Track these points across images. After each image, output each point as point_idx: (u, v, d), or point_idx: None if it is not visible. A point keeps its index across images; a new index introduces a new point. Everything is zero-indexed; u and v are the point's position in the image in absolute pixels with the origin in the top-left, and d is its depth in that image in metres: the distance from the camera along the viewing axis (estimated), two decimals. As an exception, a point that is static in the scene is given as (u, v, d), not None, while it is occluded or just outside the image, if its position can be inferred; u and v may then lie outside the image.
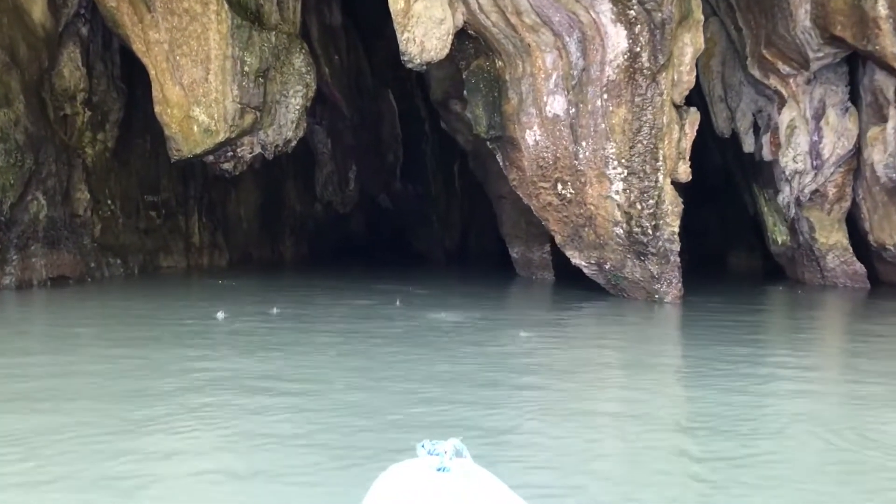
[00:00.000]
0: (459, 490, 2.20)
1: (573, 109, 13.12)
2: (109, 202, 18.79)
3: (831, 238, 16.83)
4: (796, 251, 18.16)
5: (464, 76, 14.83)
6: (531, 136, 13.91)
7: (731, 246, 26.15)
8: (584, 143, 13.07)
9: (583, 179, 13.26)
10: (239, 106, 14.71)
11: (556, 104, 13.42)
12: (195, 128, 14.80)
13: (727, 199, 24.44)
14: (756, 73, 16.07)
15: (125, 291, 15.39)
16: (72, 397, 5.93)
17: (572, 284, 16.38)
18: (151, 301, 13.20)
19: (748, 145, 17.34)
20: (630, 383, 7.16)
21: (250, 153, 15.46)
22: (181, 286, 16.62)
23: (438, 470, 2.29)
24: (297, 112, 15.37)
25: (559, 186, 13.75)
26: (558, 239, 14.25)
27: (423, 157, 24.35)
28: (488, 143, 15.05)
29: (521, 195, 14.79)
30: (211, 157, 15.51)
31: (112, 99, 18.76)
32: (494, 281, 18.53)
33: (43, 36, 16.17)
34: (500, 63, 14.22)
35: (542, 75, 13.51)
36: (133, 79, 18.79)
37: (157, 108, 15.00)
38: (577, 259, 14.07)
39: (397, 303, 12.74)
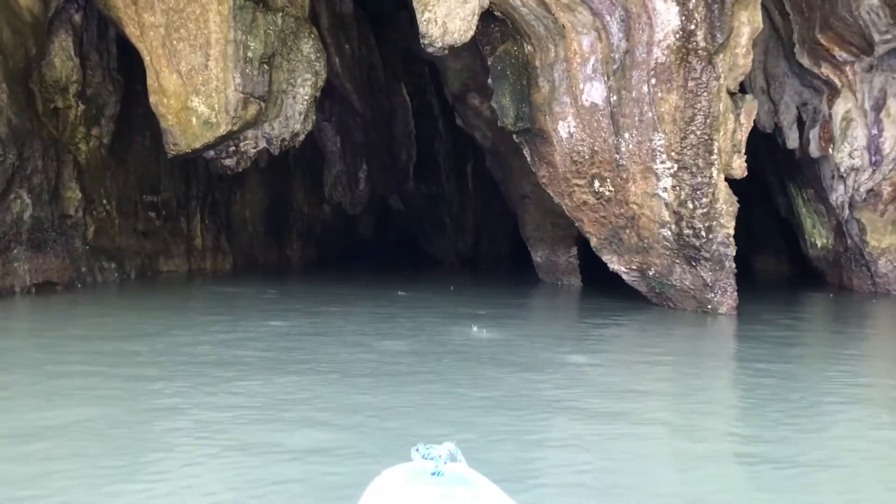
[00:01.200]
0: (454, 495, 2.09)
1: (614, 97, 11.46)
2: (104, 202, 17.15)
3: (884, 241, 15.15)
4: (842, 255, 16.47)
5: (489, 62, 13.18)
6: (564, 128, 12.26)
7: (755, 250, 24.43)
8: (626, 135, 11.40)
9: (624, 175, 11.59)
10: (242, 95, 13.06)
11: (594, 92, 11.76)
12: (194, 120, 13.16)
13: (752, 200, 22.75)
14: (805, 61, 14.40)
15: (116, 299, 13.74)
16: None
17: (603, 291, 14.74)
18: (142, 312, 11.55)
19: (792, 141, 15.66)
20: (698, 411, 5.50)
21: (254, 148, 13.82)
22: (179, 294, 14.94)
23: (433, 474, 2.19)
24: (305, 103, 13.71)
25: (596, 183, 12.08)
26: (594, 242, 12.58)
27: (436, 157, 22.70)
28: (515, 136, 13.40)
29: (551, 194, 13.13)
30: (211, 153, 13.86)
31: (108, 92, 17.13)
32: (517, 287, 16.86)
33: (30, 21, 14.52)
34: (529, 48, 12.57)
35: (578, 60, 11.86)
36: (131, 71, 17.14)
37: (152, 99, 13.36)
38: (615, 264, 12.40)
39: (404, 299, 11.06)
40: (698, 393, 6.59)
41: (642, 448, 4.80)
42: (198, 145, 13.28)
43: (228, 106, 13.04)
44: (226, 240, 21.30)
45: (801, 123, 15.90)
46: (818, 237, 17.86)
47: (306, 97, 13.64)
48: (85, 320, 10.40)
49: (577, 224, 12.85)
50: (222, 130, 13.16)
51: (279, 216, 23.21)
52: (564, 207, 12.87)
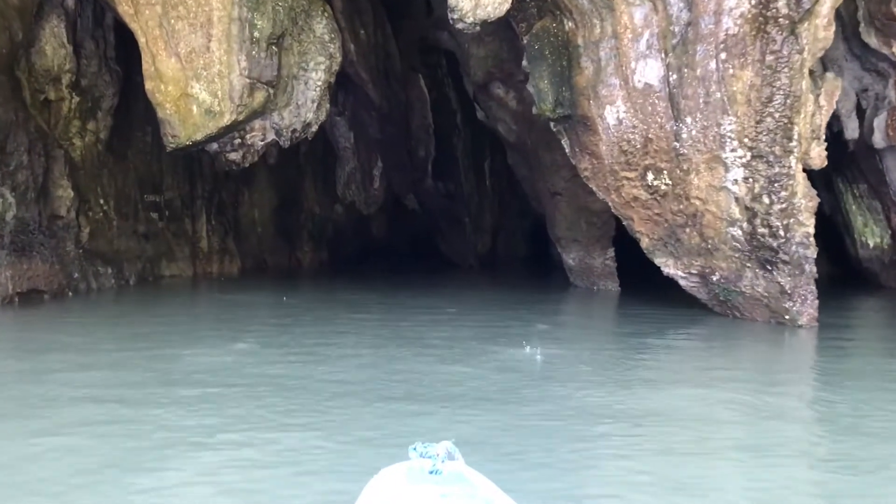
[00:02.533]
0: (452, 493, 2.06)
1: (673, 76, 9.73)
2: (101, 202, 15.50)
3: (956, 240, 13.38)
4: (903, 255, 14.72)
5: (524, 41, 11.48)
6: (612, 114, 10.54)
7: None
8: (688, 120, 9.67)
9: (685, 166, 9.87)
10: (248, 81, 11.37)
11: (649, 71, 10.04)
12: (194, 108, 11.48)
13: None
14: (872, 40, 12.67)
15: (109, 309, 12.07)
16: None
17: (645, 298, 13.04)
18: (136, 326, 9.87)
19: (851, 131, 13.91)
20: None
21: (262, 141, 12.13)
22: (181, 302, 13.24)
23: (430, 472, 2.18)
24: (318, 89, 12.01)
25: (650, 176, 10.36)
26: (645, 243, 10.86)
27: (454, 153, 20.95)
28: (553, 125, 11.68)
29: (594, 189, 11.41)
30: (215, 146, 12.18)
31: (104, 83, 15.48)
32: (549, 294, 15.14)
33: (16, 4, 12.86)
34: (570, 24, 10.86)
35: (630, 35, 10.14)
36: (130, 62, 15.49)
37: (148, 85, 11.69)
38: (670, 269, 10.67)
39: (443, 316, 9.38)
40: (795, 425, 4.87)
41: None
42: (199, 137, 11.60)
43: (233, 92, 11.36)
44: (233, 242, 19.64)
45: (859, 112, 14.16)
46: (870, 236, 16.12)
47: (319, 83, 11.94)
48: (67, 337, 8.72)
49: (625, 223, 11.12)
50: (226, 120, 11.48)
51: (289, 217, 21.53)
52: (611, 204, 11.16)
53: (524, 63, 11.74)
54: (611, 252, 14.64)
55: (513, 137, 17.05)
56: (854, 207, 16.40)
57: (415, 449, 2.31)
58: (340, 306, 12.56)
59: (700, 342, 9.26)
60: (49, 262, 12.41)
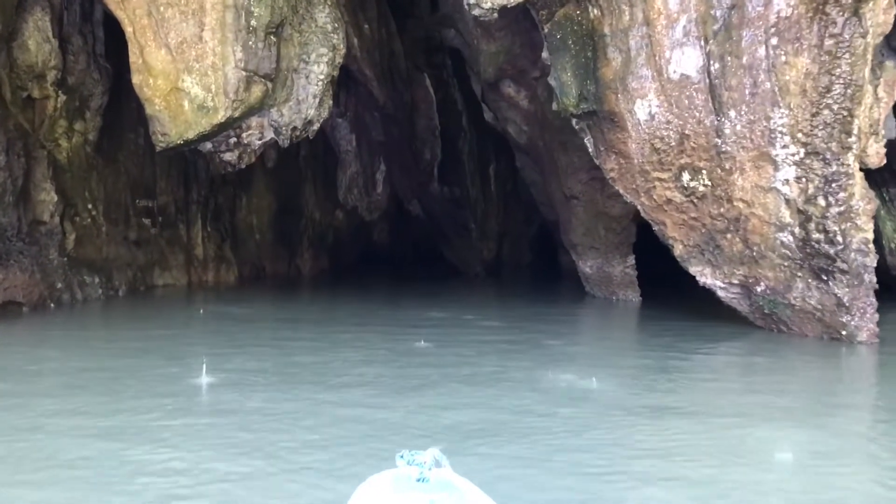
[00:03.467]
0: (440, 500, 2.05)
1: (715, 65, 8.66)
2: (90, 206, 14.38)
3: None
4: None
5: (545, 31, 10.40)
6: (643, 109, 9.46)
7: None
8: (732, 113, 8.60)
9: (728, 165, 8.78)
10: (244, 73, 10.27)
11: (686, 60, 8.97)
12: (186, 103, 10.37)
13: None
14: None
15: (91, 323, 10.95)
16: None
17: (670, 309, 11.98)
18: (112, 342, 8.76)
19: (891, 130, 12.80)
20: None
21: (259, 140, 11.02)
22: (169, 316, 12.09)
23: (418, 480, 2.15)
24: (321, 83, 10.91)
25: (686, 177, 9.28)
26: (679, 250, 9.76)
27: (459, 156, 19.86)
28: (575, 122, 10.60)
29: (621, 191, 10.32)
30: (208, 145, 11.07)
31: (93, 81, 14.38)
32: (566, 304, 14.02)
33: (-4, -7, 11.81)
34: (595, 11, 9.79)
35: (663, 22, 9.07)
36: (121, 59, 14.31)
37: (135, 79, 10.59)
38: (707, 278, 9.57)
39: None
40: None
41: None
42: (191, 136, 10.50)
43: (228, 86, 10.26)
44: (230, 249, 18.51)
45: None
46: (902, 242, 15.01)
47: (322, 77, 10.84)
48: (37, 352, 7.60)
49: (656, 228, 10.03)
50: (221, 117, 10.38)
51: (289, 223, 20.39)
52: (640, 208, 10.07)
53: (544, 55, 10.67)
54: (631, 260, 13.54)
55: (523, 139, 15.97)
56: (883, 212, 15.30)
57: (402, 457, 2.26)
58: (347, 317, 11.45)
59: (745, 359, 8.15)
60: (29, 271, 11.28)
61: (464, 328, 10.18)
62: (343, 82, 15.50)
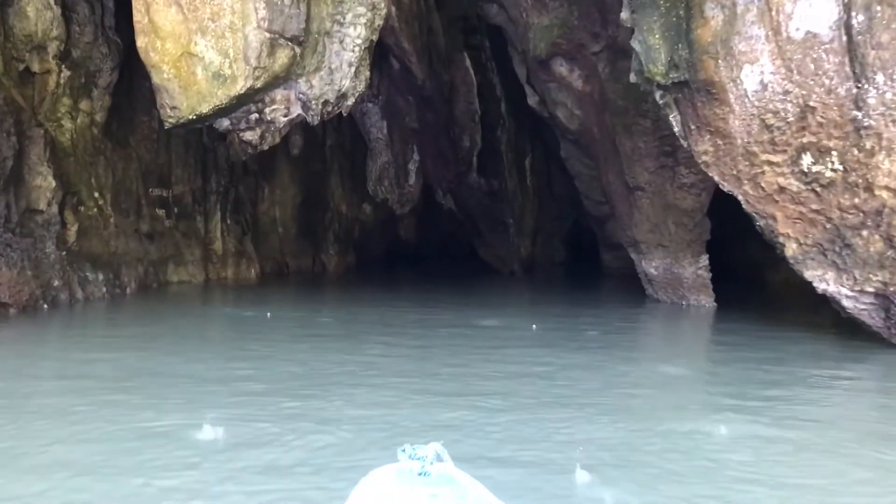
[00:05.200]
0: (441, 494, 2.03)
1: (859, 17, 6.71)
2: (96, 195, 12.62)
3: None
4: None
5: (627, -14, 8.48)
6: (753, 76, 7.53)
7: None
8: (879, 78, 6.65)
9: (870, 144, 6.84)
10: (267, 36, 8.42)
11: (814, 14, 7.03)
12: (199, 71, 8.55)
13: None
14: None
15: (81, 327, 9.15)
16: None
17: (757, 318, 10.06)
18: (95, 359, 6.95)
19: None
20: None
21: (285, 116, 9.18)
22: (177, 320, 10.25)
23: (419, 474, 2.13)
24: (357, 49, 9.03)
25: (807, 160, 7.35)
26: (793, 249, 7.82)
27: (497, 146, 17.95)
28: (659, 96, 8.68)
29: (716, 179, 8.39)
30: (226, 122, 9.24)
31: (101, 55, 12.61)
32: (629, 309, 12.05)
33: (-13, -50, 10.06)
34: (691, -40, 7.86)
35: (785, -33, 7.13)
36: (133, 32, 12.59)
37: (139, 42, 8.78)
38: (830, 284, 7.63)
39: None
40: None
41: None
42: (205, 109, 8.67)
43: (248, 51, 8.42)
44: (251, 243, 16.71)
45: None
46: None
47: (359, 41, 8.96)
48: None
49: (760, 224, 8.09)
50: (240, 87, 8.54)
51: (314, 216, 18.59)
52: (742, 198, 8.12)
53: (623, 15, 8.75)
54: (704, 259, 11.61)
55: (574, 124, 14.05)
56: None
57: (403, 451, 2.21)
58: (393, 328, 9.60)
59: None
60: (18, 266, 9.51)
61: (538, 344, 8.27)
62: (374, 62, 13.66)
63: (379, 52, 13.38)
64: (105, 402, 5.03)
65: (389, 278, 17.55)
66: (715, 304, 11.53)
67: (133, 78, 13.34)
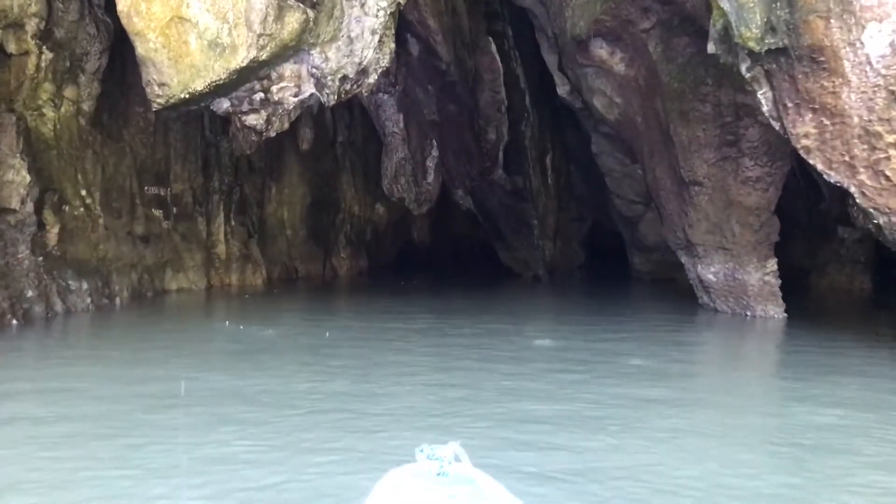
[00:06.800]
0: (460, 494, 1.98)
1: None
2: (83, 193, 11.03)
3: None
4: None
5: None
6: (876, 39, 5.91)
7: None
8: None
9: None
10: (274, -3, 6.79)
11: (972, -46, 5.38)
12: (192, 40, 6.92)
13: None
14: None
15: (49, 351, 7.48)
16: None
17: (841, 331, 8.36)
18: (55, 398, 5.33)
19: None
20: None
21: (296, 95, 7.55)
22: (169, 338, 8.57)
23: (438, 474, 2.10)
24: (381, 15, 7.38)
25: (954, 140, 5.69)
26: (926, 252, 6.16)
27: (522, 141, 16.29)
28: (746, 67, 7.03)
29: (818, 166, 6.74)
30: (225, 103, 7.63)
31: (88, 37, 11.03)
32: (679, 324, 10.34)
33: None
34: None
35: None
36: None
37: (120, 5, 7.15)
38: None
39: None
40: None
41: None
42: (200, 86, 7.04)
43: (251, 15, 6.79)
44: (257, 247, 15.08)
45: None
46: None
47: (384, 4, 7.31)
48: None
49: (880, 220, 6.44)
50: (241, 59, 6.92)
51: (324, 217, 16.98)
52: (856, 190, 6.48)
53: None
54: (772, 264, 9.94)
55: (613, 114, 12.41)
56: None
57: (422, 451, 2.16)
58: (418, 355, 7.96)
59: None
60: (-18, 275, 7.89)
61: (633, 372, 6.58)
62: (400, 36, 11.99)
63: (402, 26, 11.75)
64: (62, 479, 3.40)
65: (409, 286, 15.83)
66: (785, 314, 9.85)
67: (126, 64, 11.73)
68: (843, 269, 15.45)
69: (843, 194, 13.10)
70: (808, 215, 15.70)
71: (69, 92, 10.81)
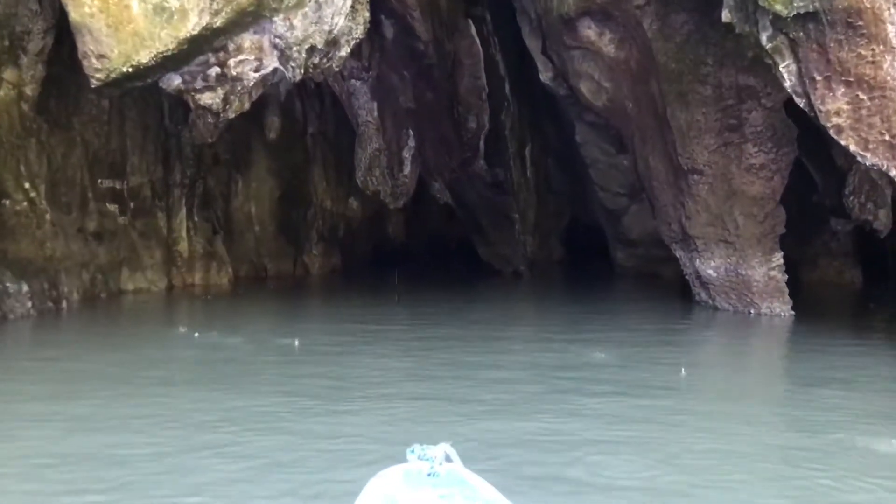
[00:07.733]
0: (451, 495, 1.93)
1: None
2: (26, 186, 9.89)
3: None
4: None
5: None
6: (927, -1, 5.04)
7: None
8: None
9: None
10: (230, -48, 5.76)
11: None
12: (135, 4, 5.87)
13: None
14: None
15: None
16: None
17: (840, 327, 7.60)
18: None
19: None
20: None
21: (256, 70, 6.52)
22: (117, 354, 7.48)
23: (428, 475, 2.03)
24: (355, -22, 6.39)
25: None
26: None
27: (501, 131, 15.36)
28: (767, 37, 6.16)
29: (854, 151, 5.89)
30: (177, 79, 6.60)
31: (30, 13, 9.86)
32: (681, 318, 9.51)
33: None
34: None
35: None
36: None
37: (50, -37, 6.05)
38: None
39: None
40: None
41: None
42: (145, 59, 6.01)
43: (203, -26, 5.75)
44: (223, 244, 13.97)
45: None
46: None
47: (357, -35, 6.32)
48: None
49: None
50: (192, 27, 5.89)
51: (295, 212, 15.90)
52: (895, 171, 5.64)
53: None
54: (778, 258, 9.13)
55: (601, 99, 11.54)
56: None
57: (413, 451, 2.10)
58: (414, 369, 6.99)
59: None
60: None
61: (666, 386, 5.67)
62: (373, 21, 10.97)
63: (375, 7, 10.73)
64: None
65: (390, 286, 14.81)
66: (793, 312, 9.06)
67: (75, 46, 10.59)
68: (834, 262, 14.81)
69: (837, 185, 12.43)
70: (799, 206, 15.00)
71: (9, 74, 9.67)
